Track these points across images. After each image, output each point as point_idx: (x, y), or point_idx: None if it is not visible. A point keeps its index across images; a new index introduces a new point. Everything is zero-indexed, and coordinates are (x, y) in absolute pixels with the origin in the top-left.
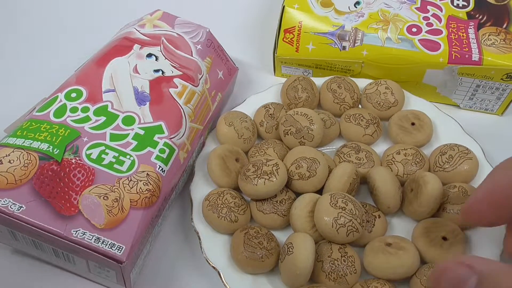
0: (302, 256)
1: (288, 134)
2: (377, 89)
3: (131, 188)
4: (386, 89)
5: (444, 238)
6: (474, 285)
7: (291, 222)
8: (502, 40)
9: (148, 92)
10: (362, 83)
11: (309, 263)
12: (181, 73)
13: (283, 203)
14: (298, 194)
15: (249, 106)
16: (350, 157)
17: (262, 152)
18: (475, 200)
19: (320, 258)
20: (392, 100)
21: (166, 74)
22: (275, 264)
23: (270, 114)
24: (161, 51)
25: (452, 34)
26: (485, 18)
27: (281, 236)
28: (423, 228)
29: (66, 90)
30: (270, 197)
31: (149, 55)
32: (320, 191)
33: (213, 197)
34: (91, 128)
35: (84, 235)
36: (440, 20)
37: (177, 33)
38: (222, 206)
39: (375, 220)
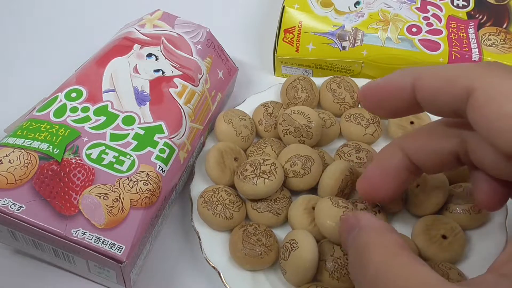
0: (309, 249)
1: (287, 134)
2: None
3: (131, 188)
4: None
5: (444, 237)
6: (355, 234)
7: (290, 223)
8: (502, 40)
9: (148, 92)
10: (362, 83)
11: (315, 255)
12: (181, 73)
13: (278, 201)
14: (292, 191)
15: (249, 106)
16: (350, 156)
17: (260, 151)
18: (370, 173)
19: (323, 257)
20: None
21: (166, 74)
22: (274, 260)
23: (269, 113)
24: (161, 51)
25: (452, 34)
26: (485, 18)
27: (280, 233)
28: (424, 226)
29: (66, 90)
30: None
31: (149, 55)
32: (314, 189)
33: (208, 194)
34: (91, 128)
35: (84, 235)
36: (440, 20)
37: (177, 33)
38: (217, 203)
39: (375, 215)
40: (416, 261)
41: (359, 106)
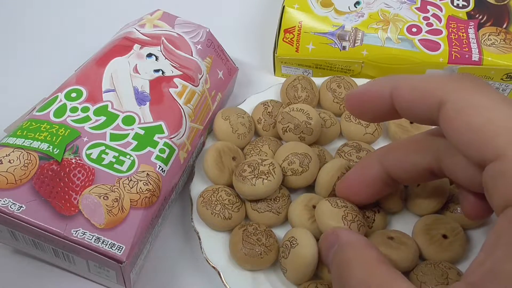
0: (308, 245)
1: (287, 131)
2: None
3: (131, 188)
4: None
5: (444, 236)
6: (335, 250)
7: (289, 219)
8: (502, 40)
9: (148, 92)
10: (361, 83)
11: (315, 251)
12: (181, 73)
13: (277, 200)
14: (291, 189)
15: (249, 106)
16: (351, 156)
17: (257, 149)
18: (349, 178)
19: None
20: None
21: (166, 74)
22: (274, 260)
23: (268, 112)
24: (161, 51)
25: (452, 34)
26: (485, 18)
27: (281, 233)
28: (424, 225)
29: (66, 90)
30: None
31: (149, 55)
32: (312, 186)
33: (208, 194)
34: (91, 128)
35: (84, 235)
36: (440, 20)
37: (177, 33)
38: (216, 203)
39: (375, 215)
40: (396, 276)
41: None
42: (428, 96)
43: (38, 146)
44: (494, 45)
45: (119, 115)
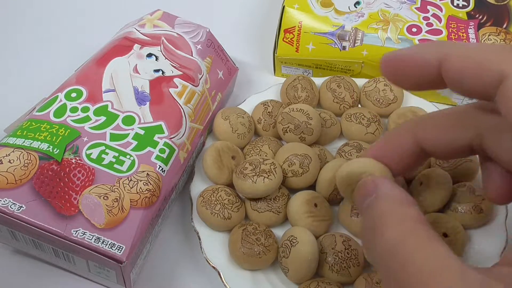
0: (308, 242)
1: (287, 132)
2: (375, 86)
3: (131, 188)
4: (385, 86)
5: (445, 235)
6: (371, 200)
7: (288, 212)
8: (502, 40)
9: (148, 92)
10: (361, 82)
11: (316, 247)
12: (181, 73)
13: (277, 200)
14: (291, 189)
15: (249, 106)
16: (351, 155)
17: (257, 149)
18: (377, 148)
19: (324, 250)
20: (392, 96)
21: (166, 74)
22: (272, 260)
23: (269, 112)
24: (161, 51)
25: (452, 34)
26: (485, 18)
27: (280, 233)
28: None
29: (66, 90)
30: None
31: (149, 55)
32: (312, 187)
33: (207, 194)
34: (91, 128)
35: (84, 235)
36: (440, 20)
37: (177, 33)
38: (215, 202)
39: None
40: (436, 239)
41: (359, 105)
42: (485, 69)
43: (38, 146)
44: None
45: (119, 115)
